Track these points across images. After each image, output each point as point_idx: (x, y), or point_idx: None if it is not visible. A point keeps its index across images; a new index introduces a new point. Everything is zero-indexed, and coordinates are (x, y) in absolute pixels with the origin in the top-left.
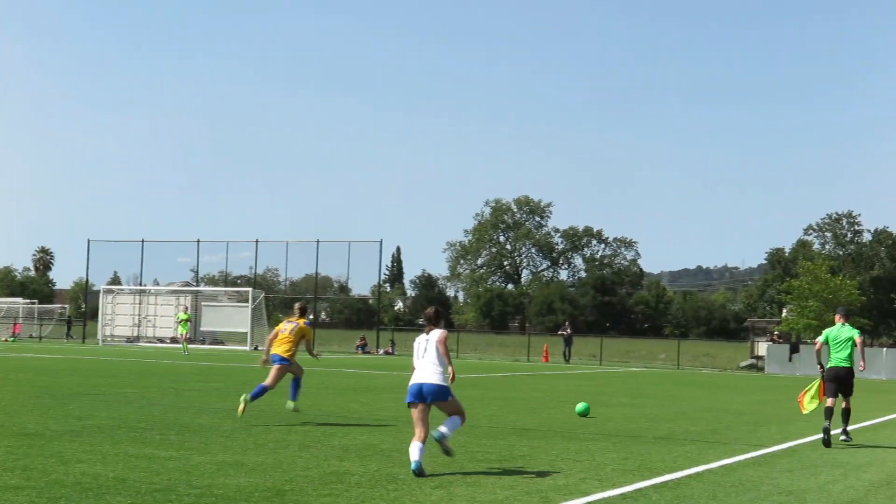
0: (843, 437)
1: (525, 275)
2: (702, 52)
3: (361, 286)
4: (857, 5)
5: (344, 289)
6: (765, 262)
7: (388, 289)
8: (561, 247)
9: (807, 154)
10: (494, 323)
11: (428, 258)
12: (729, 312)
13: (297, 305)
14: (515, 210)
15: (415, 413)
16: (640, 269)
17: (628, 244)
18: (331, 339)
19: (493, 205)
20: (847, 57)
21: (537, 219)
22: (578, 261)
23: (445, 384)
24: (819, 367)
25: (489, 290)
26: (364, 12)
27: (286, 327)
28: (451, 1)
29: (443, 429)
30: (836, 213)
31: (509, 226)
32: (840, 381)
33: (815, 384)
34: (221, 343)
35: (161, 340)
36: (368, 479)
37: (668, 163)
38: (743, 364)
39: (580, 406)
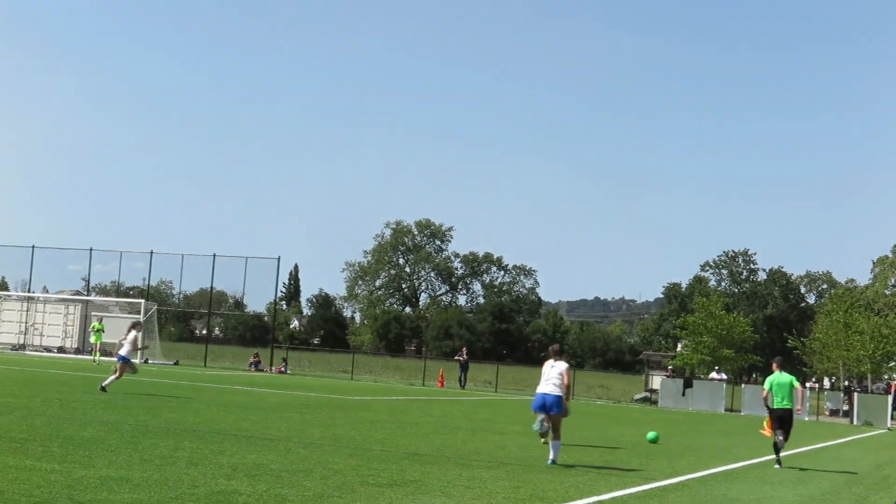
0: (776, 466)
1: (423, 298)
2: (606, 66)
3: (257, 303)
4: (745, 40)
5: (239, 304)
6: (661, 296)
7: (284, 307)
8: (460, 272)
9: (705, 190)
10: (391, 345)
11: (326, 277)
12: (625, 344)
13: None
14: (416, 233)
15: (537, 421)
16: (539, 298)
17: (527, 272)
18: (224, 355)
19: (394, 227)
20: (746, 93)
21: (438, 242)
22: (477, 286)
23: (561, 396)
24: (767, 408)
25: (386, 312)
26: (264, 19)
27: None
28: (346, 10)
29: (552, 455)
30: (733, 251)
31: (409, 248)
32: (782, 420)
33: (766, 420)
34: (110, 354)
35: (48, 349)
36: (256, 500)
37: (569, 193)
38: (637, 397)
39: (651, 434)
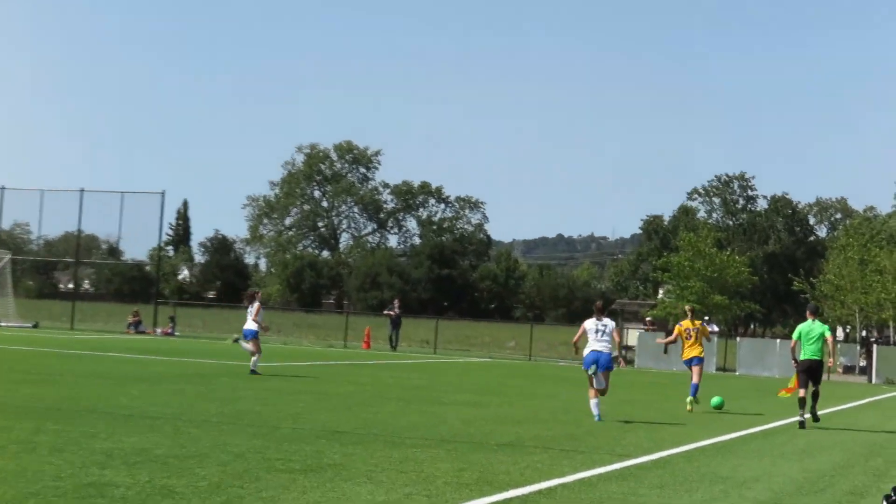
0: (805, 417)
1: (345, 240)
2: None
3: (136, 249)
4: None
5: (114, 251)
6: (639, 231)
7: (171, 253)
8: (390, 206)
9: (694, 108)
10: (305, 299)
11: (222, 216)
12: (594, 292)
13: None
14: (335, 159)
15: (590, 377)
16: (488, 237)
17: (474, 205)
18: (96, 314)
19: (308, 151)
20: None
21: (362, 170)
22: (412, 224)
23: (611, 355)
24: (794, 361)
25: (299, 258)
26: None
27: None
28: None
29: (595, 412)
30: (726, 176)
31: (327, 178)
32: (811, 372)
33: (792, 379)
34: None
35: None
36: (137, 493)
37: (525, 109)
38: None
39: (716, 399)
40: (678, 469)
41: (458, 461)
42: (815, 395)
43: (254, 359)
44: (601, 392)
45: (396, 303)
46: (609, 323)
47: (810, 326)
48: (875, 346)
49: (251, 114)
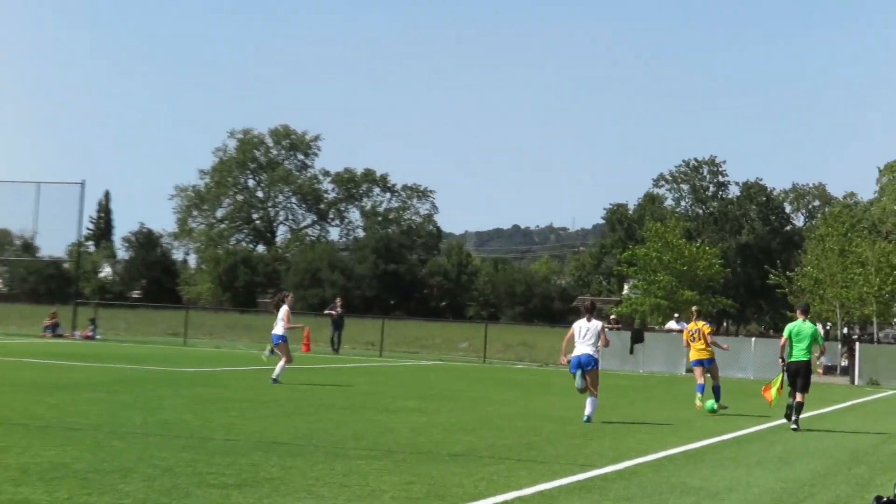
0: (792, 427)
1: (282, 233)
2: None
3: (54, 245)
4: None
5: (29, 247)
6: (602, 222)
7: (92, 249)
8: (331, 196)
9: (660, 88)
10: (238, 298)
11: (148, 208)
12: (554, 288)
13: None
14: (271, 144)
15: (576, 380)
16: (438, 229)
17: (422, 194)
18: (8, 316)
19: (241, 136)
20: None
21: (300, 157)
22: (355, 215)
23: (597, 357)
24: (781, 360)
25: (232, 253)
26: None
27: None
28: None
29: (588, 412)
30: (695, 161)
31: (262, 166)
32: (798, 375)
33: (779, 378)
34: None
35: None
36: None
37: (475, 91)
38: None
39: (709, 403)
40: (646, 480)
41: (407, 473)
42: (799, 407)
43: (280, 363)
44: (580, 391)
45: (339, 301)
46: (595, 323)
47: (801, 326)
48: (857, 344)
49: (180, 97)
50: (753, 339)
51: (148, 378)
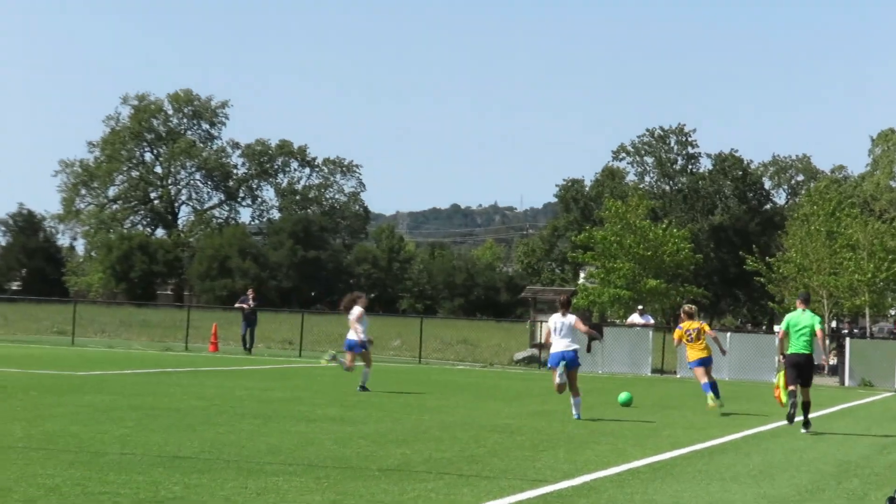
0: (803, 430)
1: (184, 214)
2: None
3: None
4: None
5: None
6: (554, 200)
7: None
8: (242, 171)
9: (620, 49)
10: (134, 290)
11: (28, 187)
12: (499, 277)
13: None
14: (170, 112)
15: (556, 375)
16: (366, 209)
17: (347, 169)
18: None
19: (136, 103)
20: None
21: (205, 127)
22: (269, 194)
23: (577, 350)
24: (780, 356)
25: (126, 238)
26: None
27: None
28: None
29: (575, 412)
30: (661, 129)
31: (160, 137)
32: (800, 369)
33: (780, 376)
34: None
35: None
36: None
37: (409, 55)
38: (519, 356)
39: (623, 396)
40: (606, 497)
41: (331, 491)
42: (806, 406)
43: (365, 371)
44: (559, 388)
45: (251, 294)
46: (568, 318)
47: (800, 317)
48: (848, 339)
49: (64, 59)
50: (729, 334)
51: (30, 384)
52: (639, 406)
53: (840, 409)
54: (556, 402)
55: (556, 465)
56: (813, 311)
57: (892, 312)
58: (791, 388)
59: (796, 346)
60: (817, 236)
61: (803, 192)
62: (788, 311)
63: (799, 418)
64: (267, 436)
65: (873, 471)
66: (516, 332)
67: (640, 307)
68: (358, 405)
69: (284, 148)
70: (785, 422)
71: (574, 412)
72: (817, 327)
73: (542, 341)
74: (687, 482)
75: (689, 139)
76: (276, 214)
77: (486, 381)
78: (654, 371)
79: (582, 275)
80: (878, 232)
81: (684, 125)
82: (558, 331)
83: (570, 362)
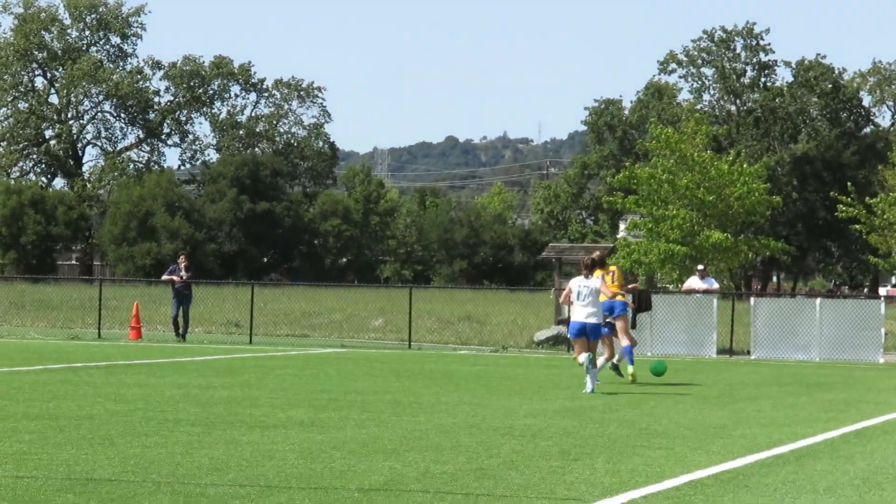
0: None
1: (91, 158)
2: None
3: None
4: None
5: None
6: (583, 129)
7: None
8: (166, 99)
9: None
10: (27, 259)
11: None
12: (514, 232)
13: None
14: (68, 22)
15: (578, 345)
16: (332, 146)
17: (306, 94)
18: None
19: (21, 10)
20: None
21: (115, 41)
22: (203, 128)
23: (600, 323)
24: None
25: (14, 192)
26: None
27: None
28: None
29: (589, 386)
30: (723, 31)
31: (55, 56)
32: None
33: None
34: None
35: None
36: None
37: None
38: (541, 336)
39: (656, 364)
40: None
41: None
42: None
43: (601, 360)
44: (588, 364)
45: (183, 262)
46: (592, 282)
47: None
48: None
49: None
50: (818, 300)
51: None
52: (702, 398)
53: None
54: (591, 396)
55: (594, 479)
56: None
57: None
58: None
59: None
60: None
61: None
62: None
63: None
64: (209, 448)
65: None
66: (536, 304)
67: (699, 267)
68: (331, 405)
69: (222, 67)
70: None
71: (588, 385)
72: None
73: (562, 301)
74: (767, 496)
75: (762, 43)
76: (213, 156)
77: (498, 369)
78: (720, 352)
79: (622, 226)
80: None
81: (754, 25)
82: (579, 296)
83: (591, 333)
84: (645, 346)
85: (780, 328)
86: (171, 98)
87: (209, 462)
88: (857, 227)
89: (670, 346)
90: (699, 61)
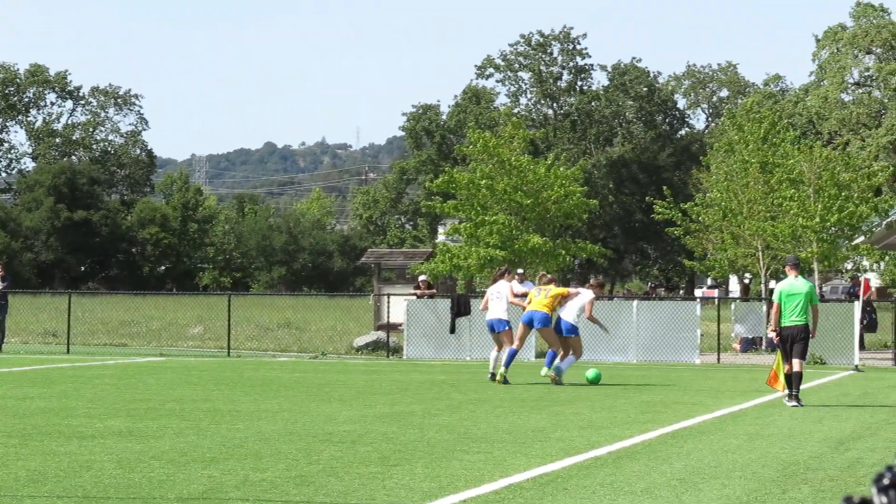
0: (791, 404)
1: None
2: None
3: None
4: None
5: None
6: (401, 134)
7: None
8: None
9: None
10: None
11: None
12: (333, 237)
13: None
14: None
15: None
16: (150, 154)
17: (124, 101)
18: None
19: None
20: None
21: None
22: (18, 137)
23: (507, 318)
24: (774, 333)
25: None
26: None
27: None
28: None
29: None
30: (540, 35)
31: None
32: (793, 342)
33: (778, 357)
34: None
35: None
36: None
37: None
38: (360, 342)
39: (591, 373)
40: None
41: None
42: (798, 378)
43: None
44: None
45: None
46: (503, 285)
47: (792, 285)
48: None
49: None
50: (636, 302)
51: None
52: (520, 401)
53: (783, 396)
54: (413, 397)
55: (414, 484)
56: (728, 268)
57: (848, 267)
58: (787, 370)
59: (789, 318)
60: (752, 169)
61: (726, 111)
62: (710, 269)
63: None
64: (26, 459)
65: (827, 474)
66: (356, 310)
67: (519, 272)
68: (150, 415)
69: (37, 75)
70: (793, 402)
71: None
72: (815, 299)
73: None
74: (586, 498)
75: (578, 47)
76: (28, 164)
77: (318, 376)
78: (538, 356)
79: (441, 231)
80: (826, 161)
81: (571, 29)
82: (493, 295)
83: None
84: (464, 351)
85: (597, 330)
86: None
87: (26, 474)
88: (673, 229)
89: (487, 350)
90: (516, 66)
